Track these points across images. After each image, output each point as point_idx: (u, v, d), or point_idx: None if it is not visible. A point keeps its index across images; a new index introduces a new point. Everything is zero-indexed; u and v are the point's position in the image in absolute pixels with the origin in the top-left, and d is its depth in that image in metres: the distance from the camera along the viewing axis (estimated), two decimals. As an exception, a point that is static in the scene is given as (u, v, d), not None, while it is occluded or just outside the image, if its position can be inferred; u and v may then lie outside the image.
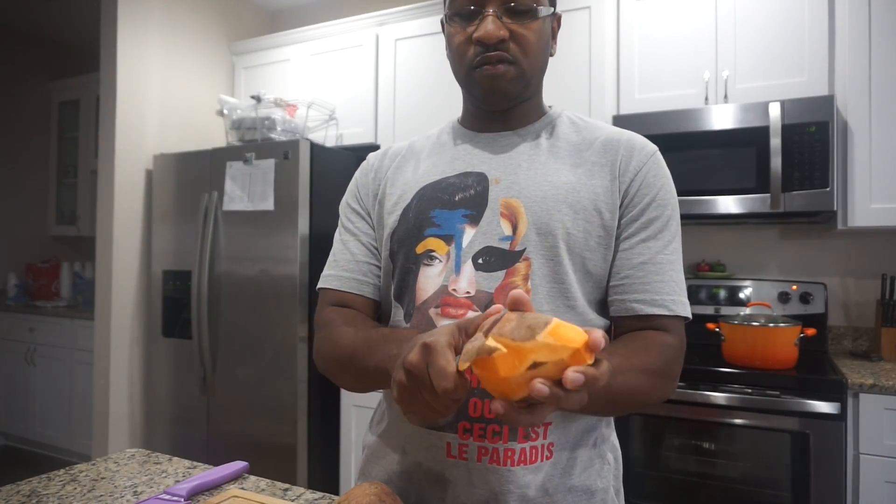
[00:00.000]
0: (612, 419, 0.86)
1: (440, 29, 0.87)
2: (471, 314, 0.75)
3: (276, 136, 2.57)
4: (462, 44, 0.78)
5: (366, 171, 0.92)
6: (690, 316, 0.78)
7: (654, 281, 0.76)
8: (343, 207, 0.92)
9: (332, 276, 0.87)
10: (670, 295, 0.76)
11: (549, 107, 0.88)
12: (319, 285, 0.89)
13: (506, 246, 0.76)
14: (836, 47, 1.94)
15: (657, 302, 0.75)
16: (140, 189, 2.76)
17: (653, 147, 0.82)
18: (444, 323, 0.75)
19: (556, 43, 0.85)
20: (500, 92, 0.79)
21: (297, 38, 2.94)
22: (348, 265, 0.87)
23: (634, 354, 0.71)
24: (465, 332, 0.56)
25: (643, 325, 0.77)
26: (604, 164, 0.79)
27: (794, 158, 1.88)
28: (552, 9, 0.81)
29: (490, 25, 0.74)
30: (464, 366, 0.52)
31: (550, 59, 0.84)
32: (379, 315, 0.89)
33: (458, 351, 0.54)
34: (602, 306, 0.81)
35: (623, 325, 0.79)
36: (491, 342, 0.50)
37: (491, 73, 0.77)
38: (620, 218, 0.78)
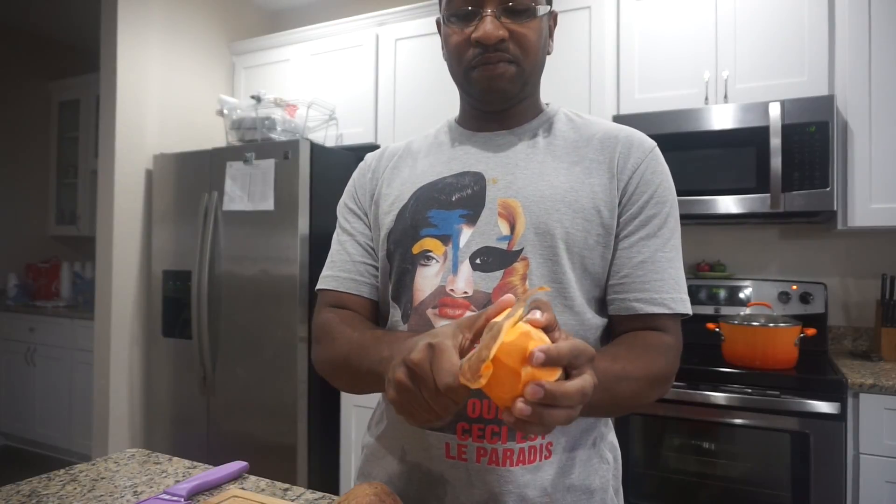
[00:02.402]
0: (609, 420, 0.86)
1: (437, 29, 0.86)
2: (469, 314, 0.74)
3: (276, 136, 2.57)
4: (460, 44, 0.78)
5: (363, 171, 0.92)
6: (690, 312, 0.78)
7: (653, 280, 0.76)
8: (341, 208, 0.92)
9: (330, 277, 0.87)
10: (669, 293, 0.76)
11: (546, 104, 0.88)
12: (318, 286, 0.89)
13: (503, 246, 0.76)
14: (836, 47, 1.94)
15: (656, 301, 0.75)
16: (140, 189, 2.76)
17: (651, 143, 0.81)
18: (442, 323, 0.75)
19: (552, 41, 0.85)
20: (499, 92, 0.79)
21: (297, 38, 2.94)
22: (345, 266, 0.87)
23: (638, 357, 0.71)
24: (467, 330, 0.57)
25: (643, 323, 0.77)
26: (602, 161, 0.79)
27: (794, 158, 1.88)
28: (549, 7, 0.81)
29: (489, 26, 0.74)
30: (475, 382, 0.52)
31: (549, 57, 0.84)
32: (378, 315, 0.89)
33: (461, 352, 0.55)
34: (600, 305, 0.80)
35: (623, 324, 0.79)
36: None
37: (490, 74, 0.77)
38: (619, 216, 0.78)
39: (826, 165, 1.85)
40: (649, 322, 0.77)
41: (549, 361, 0.49)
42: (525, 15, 0.76)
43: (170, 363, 2.66)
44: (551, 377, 0.50)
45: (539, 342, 0.50)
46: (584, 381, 0.51)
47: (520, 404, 0.49)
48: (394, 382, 0.57)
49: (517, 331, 0.51)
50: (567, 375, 0.51)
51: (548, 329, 0.53)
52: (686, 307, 0.77)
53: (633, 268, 0.77)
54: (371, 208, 0.88)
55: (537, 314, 0.53)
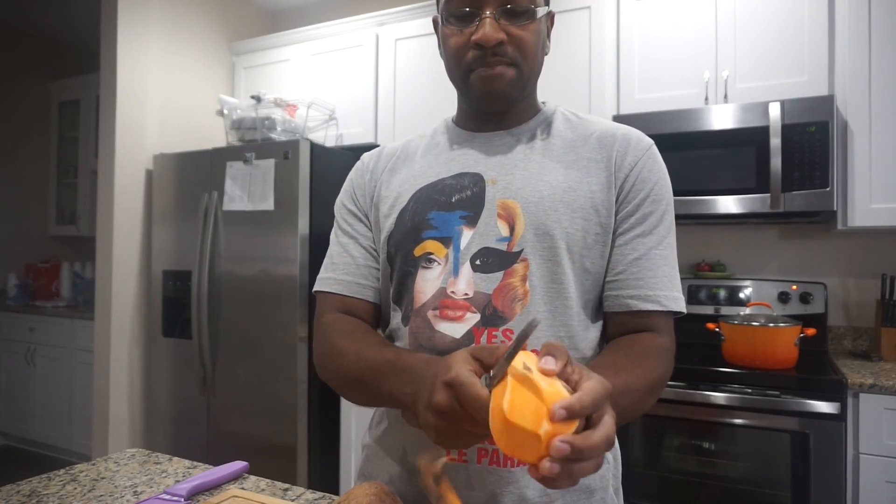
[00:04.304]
0: None
1: (433, 28, 0.86)
2: (469, 315, 0.75)
3: (276, 136, 2.57)
4: (459, 46, 0.77)
5: (361, 171, 0.91)
6: (684, 310, 0.78)
7: (647, 276, 0.76)
8: (339, 208, 0.91)
9: (332, 280, 0.86)
10: (663, 291, 0.76)
11: (543, 103, 0.88)
12: (318, 288, 0.87)
13: (503, 247, 0.76)
14: (836, 47, 1.94)
15: (650, 298, 0.76)
16: (140, 189, 2.76)
17: (648, 141, 0.82)
18: (442, 326, 0.75)
19: (549, 41, 0.85)
20: (498, 94, 0.78)
21: (297, 38, 2.94)
22: (349, 269, 0.86)
23: (639, 366, 0.71)
24: (480, 360, 0.57)
25: (636, 320, 0.77)
26: (599, 160, 0.79)
27: (794, 158, 1.88)
28: (547, 8, 0.81)
29: (488, 28, 0.74)
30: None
31: (549, 57, 0.84)
32: (380, 319, 0.88)
33: (478, 376, 0.55)
34: (598, 304, 0.81)
35: (616, 321, 0.79)
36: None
37: (489, 75, 0.76)
38: (616, 213, 0.78)
39: (826, 165, 1.85)
40: (643, 319, 0.77)
41: (572, 416, 0.47)
42: (524, 17, 0.76)
43: (170, 363, 2.66)
44: (571, 429, 0.47)
45: (553, 395, 0.48)
46: (607, 427, 0.49)
47: (547, 463, 0.47)
48: (432, 427, 0.58)
49: (525, 384, 0.49)
50: (588, 419, 0.50)
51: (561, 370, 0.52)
52: (680, 305, 0.77)
53: (627, 265, 0.77)
54: (371, 210, 0.87)
55: (549, 363, 0.51)
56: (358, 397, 0.79)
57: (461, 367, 0.55)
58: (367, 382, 0.73)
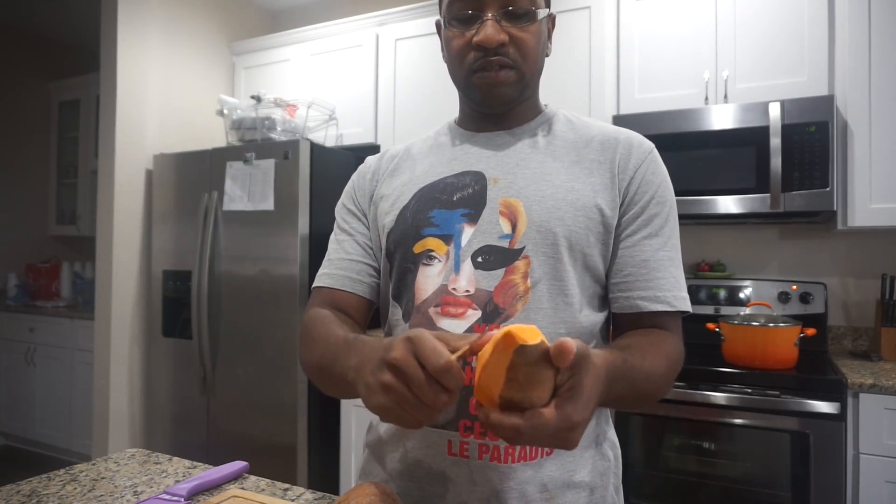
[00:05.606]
0: (610, 417, 0.87)
1: (436, 31, 0.87)
2: (470, 312, 0.75)
3: (276, 136, 2.57)
4: (461, 48, 0.78)
5: (362, 173, 0.93)
6: (690, 310, 0.79)
7: (656, 278, 0.77)
8: (339, 209, 0.93)
9: (325, 275, 0.88)
10: (671, 291, 0.77)
11: (545, 105, 0.89)
12: (314, 284, 0.89)
13: (505, 244, 0.76)
14: (836, 47, 1.94)
15: (660, 299, 0.77)
16: (140, 189, 2.76)
17: (650, 144, 0.83)
18: (444, 322, 0.76)
19: (551, 42, 0.86)
20: (500, 97, 0.79)
21: (297, 38, 2.94)
22: (341, 263, 0.87)
23: (665, 357, 0.73)
24: (445, 342, 0.56)
25: (646, 321, 0.78)
26: (602, 161, 0.80)
27: (794, 158, 1.88)
28: (548, 9, 0.82)
29: (489, 30, 0.75)
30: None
31: (549, 58, 0.85)
32: (368, 316, 0.89)
33: None
34: (600, 301, 0.81)
35: (626, 322, 0.80)
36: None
37: (491, 80, 0.77)
38: (621, 216, 0.79)
39: (826, 165, 1.85)
40: (652, 320, 0.78)
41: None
42: (525, 19, 0.77)
43: (170, 363, 2.66)
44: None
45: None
46: (560, 417, 0.51)
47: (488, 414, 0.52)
48: (378, 386, 0.54)
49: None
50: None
51: None
52: (687, 305, 0.78)
53: (635, 266, 0.78)
54: (370, 209, 0.89)
55: (562, 355, 0.51)
56: (325, 385, 0.78)
57: (424, 331, 0.54)
58: (325, 363, 0.73)
